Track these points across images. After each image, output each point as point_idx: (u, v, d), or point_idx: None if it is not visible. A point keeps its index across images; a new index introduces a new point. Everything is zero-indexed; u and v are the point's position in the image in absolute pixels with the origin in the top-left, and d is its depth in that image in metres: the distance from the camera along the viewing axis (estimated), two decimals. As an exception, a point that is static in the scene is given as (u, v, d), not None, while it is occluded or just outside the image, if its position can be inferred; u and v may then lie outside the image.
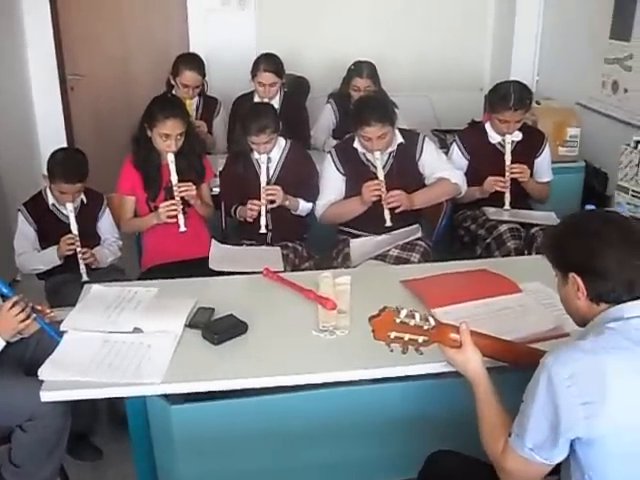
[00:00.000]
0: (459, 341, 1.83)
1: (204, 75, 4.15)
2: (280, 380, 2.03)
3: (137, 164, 3.27)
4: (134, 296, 2.47)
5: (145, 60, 5.23)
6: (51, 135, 5.01)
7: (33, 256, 3.21)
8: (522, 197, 3.60)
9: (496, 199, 3.52)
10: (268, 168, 3.29)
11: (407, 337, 1.81)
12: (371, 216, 3.24)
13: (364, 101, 3.47)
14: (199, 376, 2.03)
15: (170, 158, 3.16)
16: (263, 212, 3.24)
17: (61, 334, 2.22)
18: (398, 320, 1.79)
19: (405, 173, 3.29)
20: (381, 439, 2.25)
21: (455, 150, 3.64)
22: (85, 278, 3.10)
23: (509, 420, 1.68)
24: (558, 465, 1.62)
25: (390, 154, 3.28)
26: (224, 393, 2.05)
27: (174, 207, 3.18)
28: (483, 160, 3.56)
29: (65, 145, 4.87)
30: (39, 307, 2.27)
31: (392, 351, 1.83)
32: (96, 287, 2.55)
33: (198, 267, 2.94)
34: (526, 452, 1.59)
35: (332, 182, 3.34)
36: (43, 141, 5.01)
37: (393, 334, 1.80)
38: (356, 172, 3.29)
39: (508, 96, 3.42)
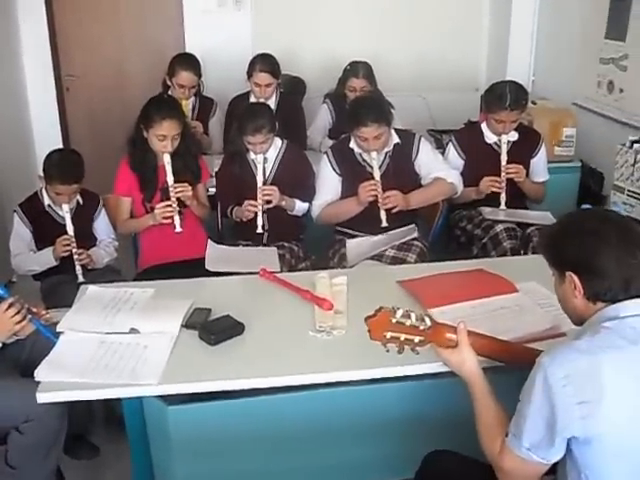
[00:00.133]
0: (455, 341, 1.84)
1: (200, 75, 4.14)
2: (277, 381, 2.03)
3: (133, 165, 3.27)
4: (130, 297, 2.47)
5: (141, 61, 5.23)
6: (47, 136, 5.00)
7: (29, 257, 3.21)
8: (518, 197, 3.60)
9: (492, 199, 3.52)
10: (264, 168, 3.29)
11: (403, 337, 1.81)
12: (367, 216, 3.24)
13: (360, 101, 3.46)
14: (196, 377, 2.03)
15: (166, 159, 3.16)
16: (259, 212, 3.24)
17: (57, 335, 2.22)
18: (394, 320, 1.79)
19: (401, 173, 3.29)
20: (378, 439, 2.25)
21: (451, 150, 3.64)
22: (81, 279, 3.09)
23: (506, 420, 1.69)
24: (555, 464, 1.62)
25: (386, 154, 3.28)
26: (221, 394, 2.05)
27: (170, 208, 3.17)
28: (479, 160, 3.56)
29: (61, 146, 4.86)
30: (34, 309, 2.27)
31: (388, 351, 1.83)
32: (92, 288, 2.55)
33: (194, 268, 2.93)
34: (523, 452, 1.59)
35: (328, 182, 3.34)
36: (39, 142, 5.01)
37: (389, 334, 1.80)
38: (352, 172, 3.30)
39: (504, 96, 3.42)
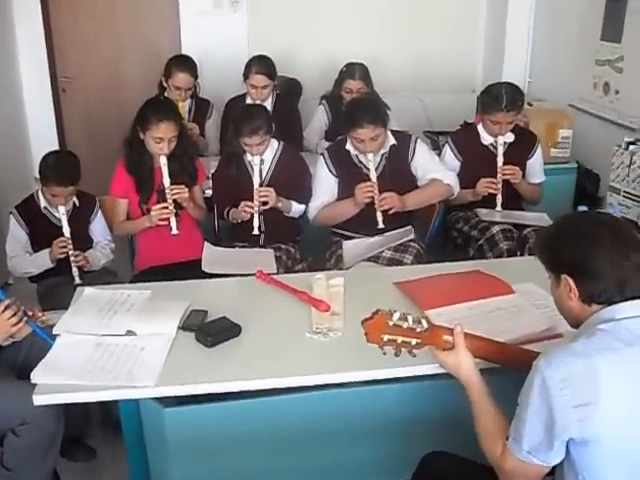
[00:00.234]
0: (452, 343, 1.84)
1: (196, 77, 4.14)
2: (273, 382, 2.03)
3: (129, 167, 3.26)
4: (127, 299, 2.46)
5: (137, 62, 5.23)
6: (43, 137, 4.99)
7: (25, 259, 3.20)
8: (514, 198, 3.61)
9: (488, 200, 3.53)
10: (261, 170, 3.29)
11: (400, 340, 1.81)
12: (364, 218, 3.24)
13: (356, 103, 3.47)
14: (192, 379, 2.02)
15: (163, 161, 3.15)
16: (256, 214, 3.24)
17: (54, 337, 2.21)
18: (391, 323, 1.79)
19: (398, 175, 3.29)
20: (375, 441, 2.25)
21: (447, 151, 3.65)
22: (78, 281, 3.09)
23: (505, 422, 1.69)
24: (554, 466, 1.63)
25: (382, 156, 3.28)
26: (218, 395, 2.05)
27: (166, 210, 3.17)
28: (475, 161, 3.57)
29: (57, 147, 4.85)
30: (31, 313, 2.26)
31: (385, 354, 1.84)
32: (89, 290, 2.55)
33: (191, 269, 2.93)
34: (523, 455, 1.60)
35: (325, 184, 3.35)
36: (35, 143, 5.00)
37: (386, 337, 1.80)
38: (349, 174, 3.30)
39: (500, 98, 3.43)
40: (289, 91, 4.68)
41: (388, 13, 5.27)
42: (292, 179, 3.37)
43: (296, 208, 3.39)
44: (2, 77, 4.68)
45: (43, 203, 3.20)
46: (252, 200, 3.22)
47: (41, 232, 3.19)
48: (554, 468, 1.64)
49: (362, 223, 3.26)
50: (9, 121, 4.76)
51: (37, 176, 3.15)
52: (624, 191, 3.50)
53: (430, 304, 2.34)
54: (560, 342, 2.02)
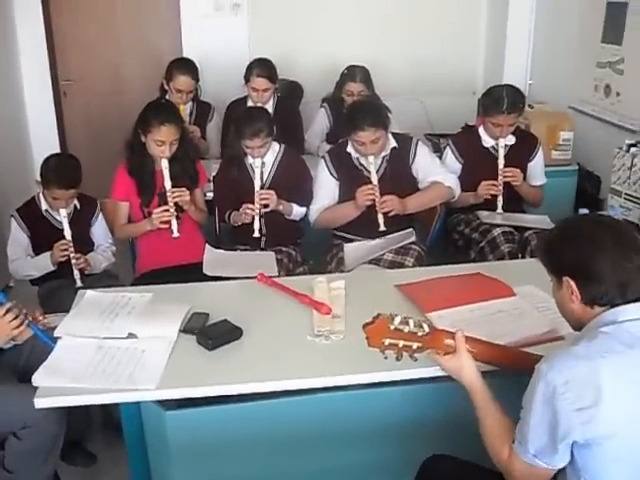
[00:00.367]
0: (453, 347, 1.84)
1: (197, 80, 4.15)
2: (274, 385, 2.03)
3: (131, 170, 3.26)
4: (128, 302, 2.46)
5: (138, 65, 5.23)
6: (44, 140, 5.00)
7: (26, 262, 3.20)
8: (516, 200, 3.61)
9: (489, 203, 3.53)
10: (262, 172, 3.29)
11: (401, 344, 1.81)
12: (365, 220, 3.24)
13: (357, 106, 3.47)
14: (194, 382, 2.02)
15: (164, 164, 3.16)
16: (257, 217, 3.24)
17: (55, 340, 2.21)
18: (392, 327, 1.79)
19: (399, 177, 3.29)
20: (376, 444, 2.24)
21: (449, 154, 3.65)
22: (79, 284, 3.09)
23: (511, 424, 1.69)
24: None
25: (383, 158, 3.28)
26: (219, 398, 2.04)
27: (168, 213, 3.17)
28: (476, 164, 3.57)
29: (58, 150, 4.85)
30: (32, 316, 2.26)
31: (386, 358, 1.83)
32: (90, 293, 2.55)
33: (192, 272, 2.93)
34: (529, 458, 1.60)
35: (326, 187, 3.35)
36: (36, 146, 5.00)
37: (387, 341, 1.80)
38: (350, 177, 3.30)
39: (501, 100, 3.43)
40: (290, 94, 4.68)
41: (389, 16, 5.27)
42: (293, 182, 3.37)
43: (297, 211, 3.39)
44: (3, 80, 4.69)
45: (44, 206, 3.20)
46: (253, 203, 3.22)
47: (42, 235, 3.19)
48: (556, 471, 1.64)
49: (363, 226, 3.26)
50: (10, 124, 4.76)
51: (38, 179, 3.15)
52: (625, 193, 3.50)
53: (431, 307, 2.33)
54: (562, 345, 2.02)
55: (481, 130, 3.62)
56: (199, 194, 3.43)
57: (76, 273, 3.12)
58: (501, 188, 3.49)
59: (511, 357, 1.97)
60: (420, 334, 1.81)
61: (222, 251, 3.25)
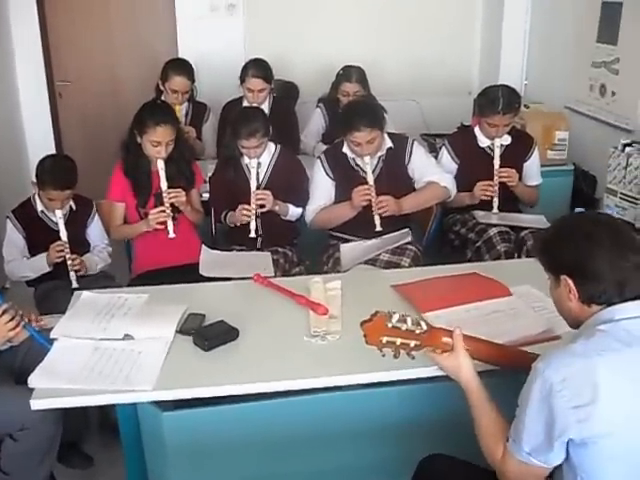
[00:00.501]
0: (451, 345, 1.84)
1: (193, 80, 4.14)
2: (271, 386, 2.03)
3: (127, 170, 3.26)
4: (124, 303, 2.46)
5: (134, 66, 5.22)
6: (40, 141, 4.99)
7: (22, 263, 3.20)
8: (511, 200, 3.61)
9: (485, 202, 3.53)
10: (258, 173, 3.29)
11: (399, 341, 1.81)
12: (361, 221, 3.24)
13: (353, 106, 3.47)
14: (190, 382, 2.02)
15: (160, 165, 3.15)
16: (253, 217, 3.24)
17: (51, 342, 2.21)
18: (390, 325, 1.79)
19: (395, 177, 3.29)
20: (373, 444, 2.24)
21: (444, 154, 3.65)
22: (75, 285, 3.08)
23: (505, 424, 1.69)
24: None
25: (379, 158, 3.28)
26: (215, 399, 2.04)
27: (164, 213, 3.17)
28: (472, 164, 3.57)
29: (54, 151, 4.84)
30: (28, 317, 2.25)
31: (384, 356, 1.83)
32: (86, 294, 2.54)
33: (188, 273, 2.93)
34: (524, 456, 1.60)
35: (322, 187, 3.34)
36: (32, 147, 4.99)
37: (385, 339, 1.80)
38: (345, 177, 3.30)
39: (497, 100, 3.43)
40: (286, 94, 4.68)
41: (384, 16, 5.27)
42: (289, 182, 3.37)
43: (293, 211, 3.39)
44: (-1, 82, 4.69)
45: (40, 207, 3.20)
46: (249, 203, 3.22)
47: (38, 236, 3.19)
48: (552, 469, 1.64)
49: (359, 226, 3.26)
50: (6, 125, 4.75)
51: (34, 180, 3.14)
52: (621, 193, 3.51)
53: (428, 307, 2.34)
54: (559, 344, 2.02)
55: (477, 130, 3.63)
56: (195, 195, 3.42)
57: (72, 274, 3.11)
58: (497, 188, 3.49)
59: (508, 355, 1.97)
60: (418, 332, 1.81)
61: (218, 252, 3.25)
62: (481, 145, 3.60)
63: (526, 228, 3.40)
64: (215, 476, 2.21)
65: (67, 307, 2.45)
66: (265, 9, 5.12)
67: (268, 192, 3.24)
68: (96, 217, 3.34)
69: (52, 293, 3.10)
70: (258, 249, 3.32)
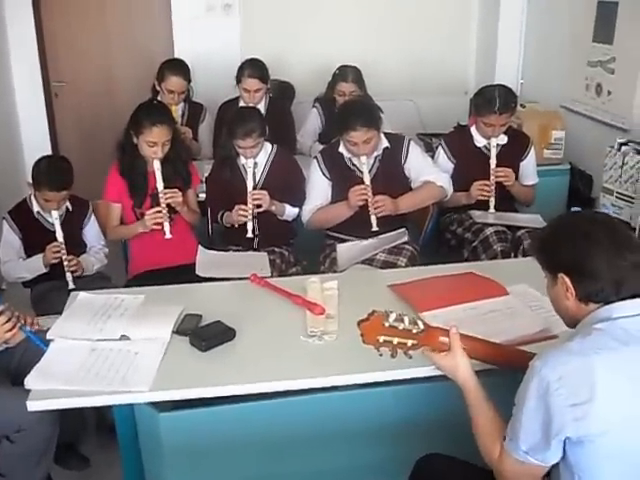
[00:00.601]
0: (448, 344, 1.84)
1: (189, 81, 4.14)
2: (268, 386, 2.02)
3: (123, 171, 3.26)
4: (121, 303, 2.45)
5: (130, 66, 5.21)
6: (35, 142, 4.97)
7: (18, 264, 3.19)
8: (508, 200, 3.62)
9: (482, 202, 3.53)
10: (254, 173, 3.29)
11: (396, 341, 1.81)
12: (358, 220, 3.24)
13: (349, 106, 3.47)
14: (187, 383, 2.02)
15: (156, 165, 3.15)
16: (250, 217, 3.24)
17: (47, 343, 2.20)
18: (387, 324, 1.79)
19: (391, 177, 3.29)
20: (370, 444, 2.24)
21: (441, 154, 3.65)
22: (71, 286, 3.07)
23: (502, 424, 1.69)
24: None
25: (376, 158, 3.28)
26: (212, 400, 2.04)
27: (160, 214, 3.17)
28: (469, 163, 3.58)
29: (50, 152, 4.84)
30: (23, 320, 2.25)
31: (381, 355, 1.83)
32: (82, 295, 2.53)
33: (185, 273, 2.93)
34: (521, 455, 1.60)
35: (318, 187, 3.34)
36: (27, 148, 4.98)
37: (382, 338, 1.80)
38: (342, 177, 3.30)
39: (493, 100, 3.43)
40: (282, 94, 4.68)
41: (380, 16, 5.27)
42: (286, 182, 3.36)
43: (290, 211, 3.38)
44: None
45: (36, 208, 3.19)
46: (246, 203, 3.22)
47: (34, 237, 3.18)
48: (549, 468, 1.64)
49: (356, 226, 3.26)
50: (1, 126, 4.73)
51: (30, 181, 3.14)
52: (617, 192, 3.51)
53: (425, 306, 2.33)
54: (556, 342, 2.02)
55: (473, 130, 3.63)
56: (191, 195, 3.42)
57: (68, 275, 3.10)
58: (493, 188, 3.50)
59: (504, 354, 1.97)
60: (415, 331, 1.81)
61: (215, 252, 3.25)
62: (477, 145, 3.60)
63: (522, 228, 3.41)
64: (212, 476, 2.21)
65: (63, 308, 2.44)
66: (261, 9, 5.12)
67: (265, 192, 3.24)
68: (92, 218, 3.34)
69: (48, 294, 3.10)
70: (255, 249, 3.32)
